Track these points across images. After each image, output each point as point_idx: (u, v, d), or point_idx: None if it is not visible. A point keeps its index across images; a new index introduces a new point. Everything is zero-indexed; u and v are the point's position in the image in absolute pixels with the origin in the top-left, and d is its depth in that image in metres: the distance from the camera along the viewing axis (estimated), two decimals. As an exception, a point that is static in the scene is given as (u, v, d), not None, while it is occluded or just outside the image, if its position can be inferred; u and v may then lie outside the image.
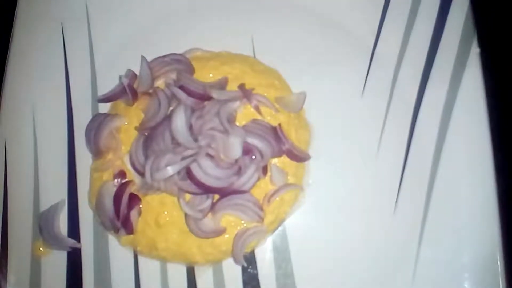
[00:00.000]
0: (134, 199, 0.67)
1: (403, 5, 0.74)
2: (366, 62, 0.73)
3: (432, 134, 0.69)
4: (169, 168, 0.62)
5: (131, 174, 0.68)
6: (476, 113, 0.68)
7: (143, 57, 0.70)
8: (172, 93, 0.67)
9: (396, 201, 0.68)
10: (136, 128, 0.68)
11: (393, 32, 0.73)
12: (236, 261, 0.65)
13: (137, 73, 0.71)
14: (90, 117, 0.72)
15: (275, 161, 0.68)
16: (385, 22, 0.74)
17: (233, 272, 0.66)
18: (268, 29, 0.75)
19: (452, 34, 0.72)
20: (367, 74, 0.73)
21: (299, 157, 0.68)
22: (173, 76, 0.70)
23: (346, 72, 0.73)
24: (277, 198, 0.67)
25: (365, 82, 0.72)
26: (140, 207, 0.67)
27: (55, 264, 0.67)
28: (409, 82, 0.72)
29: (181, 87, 0.67)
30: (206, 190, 0.64)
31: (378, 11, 0.74)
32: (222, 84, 0.70)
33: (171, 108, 0.68)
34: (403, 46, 0.73)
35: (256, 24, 0.75)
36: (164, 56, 0.71)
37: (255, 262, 0.66)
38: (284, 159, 0.68)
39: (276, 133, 0.67)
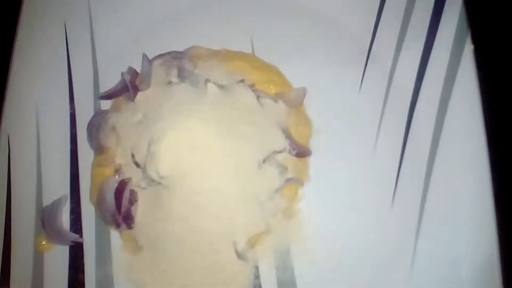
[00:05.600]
0: (134, 194, 0.68)
1: (398, 3, 0.75)
2: (363, 59, 0.75)
3: (428, 129, 0.71)
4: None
5: (132, 170, 0.69)
6: (471, 108, 0.69)
7: (144, 55, 0.72)
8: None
9: (394, 195, 0.69)
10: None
11: (389, 29, 0.75)
12: (238, 255, 0.66)
13: (138, 71, 0.72)
14: (92, 114, 0.73)
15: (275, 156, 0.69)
16: (381, 20, 0.76)
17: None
18: (267, 28, 0.77)
19: (446, 32, 0.73)
20: (364, 71, 0.74)
21: (299, 152, 0.69)
22: (175, 72, 0.71)
23: (344, 69, 0.74)
24: (277, 193, 0.68)
25: (362, 79, 0.74)
26: (140, 202, 0.68)
27: (57, 258, 0.67)
28: (405, 79, 0.73)
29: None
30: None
31: (374, 9, 0.76)
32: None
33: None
34: (399, 43, 0.74)
35: (255, 23, 0.77)
36: (165, 54, 0.73)
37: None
38: (284, 154, 0.69)
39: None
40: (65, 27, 0.77)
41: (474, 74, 0.70)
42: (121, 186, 0.67)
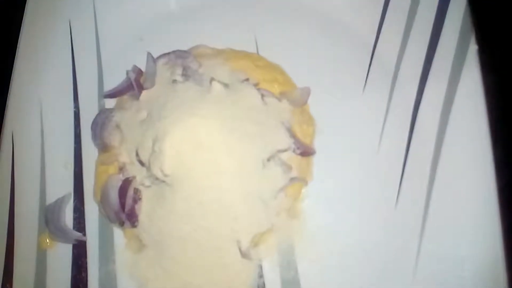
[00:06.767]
0: (138, 192, 0.68)
1: (402, 3, 0.76)
2: (367, 60, 0.75)
3: (432, 129, 0.71)
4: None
5: (136, 168, 0.69)
6: (475, 108, 0.69)
7: (149, 54, 0.73)
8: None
9: (398, 195, 0.69)
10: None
11: (393, 30, 0.75)
12: (242, 254, 0.66)
13: (143, 70, 0.73)
14: (96, 112, 0.73)
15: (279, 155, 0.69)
16: (385, 20, 0.76)
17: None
18: (271, 27, 0.77)
19: (450, 32, 0.73)
20: (368, 71, 0.74)
21: (303, 151, 0.69)
22: (179, 71, 0.71)
23: (348, 69, 0.74)
24: (281, 192, 0.68)
25: (366, 78, 0.74)
26: (143, 200, 0.68)
27: (60, 256, 0.67)
28: (409, 79, 0.73)
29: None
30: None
31: (378, 10, 0.76)
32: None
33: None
34: (403, 44, 0.75)
35: (259, 22, 0.77)
36: (169, 53, 0.73)
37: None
38: (289, 153, 0.69)
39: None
40: (69, 25, 0.77)
41: (478, 74, 0.70)
42: (125, 185, 0.67)
